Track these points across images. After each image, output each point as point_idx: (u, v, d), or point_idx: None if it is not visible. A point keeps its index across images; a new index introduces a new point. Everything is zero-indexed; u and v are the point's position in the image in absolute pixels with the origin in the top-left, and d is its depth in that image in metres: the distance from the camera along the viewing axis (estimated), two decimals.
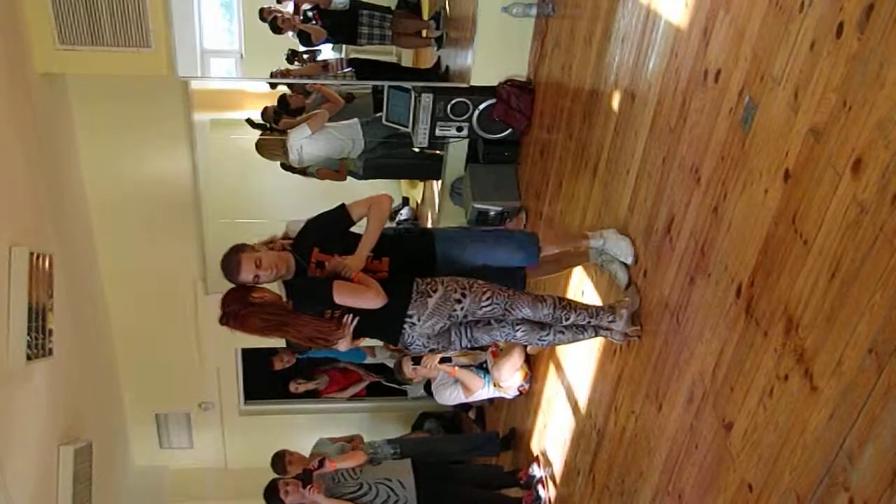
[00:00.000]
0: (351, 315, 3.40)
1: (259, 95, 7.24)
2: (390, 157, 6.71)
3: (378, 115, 6.13)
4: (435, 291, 3.44)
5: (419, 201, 7.85)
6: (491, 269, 3.75)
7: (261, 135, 6.71)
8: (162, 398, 7.39)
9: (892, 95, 1.99)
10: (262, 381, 7.81)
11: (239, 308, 3.35)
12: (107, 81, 5.61)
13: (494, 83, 5.58)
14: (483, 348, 5.23)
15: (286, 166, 6.68)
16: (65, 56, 4.91)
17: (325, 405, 8.07)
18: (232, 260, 3.38)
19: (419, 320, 3.43)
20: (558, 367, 4.83)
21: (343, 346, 3.52)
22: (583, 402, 4.37)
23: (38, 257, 4.30)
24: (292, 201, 7.47)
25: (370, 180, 6.97)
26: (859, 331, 2.09)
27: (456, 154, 6.30)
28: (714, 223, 2.94)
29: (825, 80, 2.28)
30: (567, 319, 3.60)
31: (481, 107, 5.62)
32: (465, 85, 5.63)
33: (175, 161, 6.15)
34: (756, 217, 2.64)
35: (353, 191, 7.38)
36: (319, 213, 3.67)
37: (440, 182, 6.67)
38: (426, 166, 6.78)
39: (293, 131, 6.28)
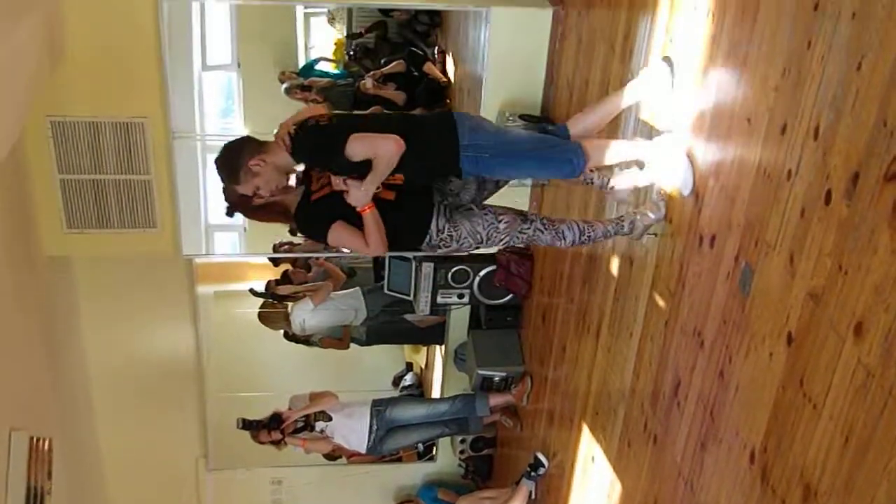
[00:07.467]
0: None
1: (262, 266, 7.36)
2: (393, 322, 6.75)
3: (380, 284, 6.20)
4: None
5: (423, 366, 7.81)
6: None
7: (263, 305, 6.78)
8: None
9: (885, 259, 2.02)
10: None
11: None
12: (111, 259, 5.69)
13: (494, 250, 5.66)
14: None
15: (289, 335, 6.71)
16: (72, 239, 5.02)
17: None
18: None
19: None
20: None
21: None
22: None
23: (37, 440, 4.23)
24: (294, 367, 7.49)
25: (373, 346, 7.07)
26: (878, 499, 2.03)
27: (458, 320, 6.33)
28: (721, 387, 2.91)
29: (819, 245, 2.32)
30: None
31: (482, 273, 5.68)
32: (464, 252, 5.70)
33: (178, 336, 6.17)
34: (763, 381, 2.62)
35: (356, 358, 7.38)
36: None
37: (443, 347, 6.66)
38: (429, 332, 6.80)
39: (296, 306, 6.37)
